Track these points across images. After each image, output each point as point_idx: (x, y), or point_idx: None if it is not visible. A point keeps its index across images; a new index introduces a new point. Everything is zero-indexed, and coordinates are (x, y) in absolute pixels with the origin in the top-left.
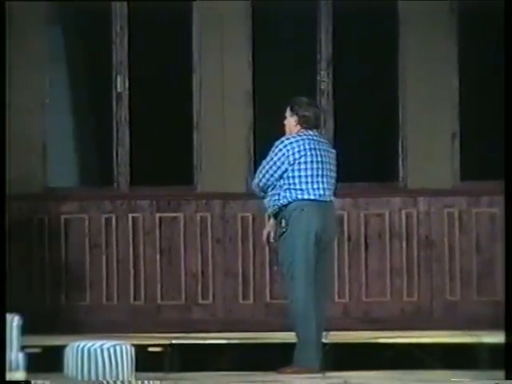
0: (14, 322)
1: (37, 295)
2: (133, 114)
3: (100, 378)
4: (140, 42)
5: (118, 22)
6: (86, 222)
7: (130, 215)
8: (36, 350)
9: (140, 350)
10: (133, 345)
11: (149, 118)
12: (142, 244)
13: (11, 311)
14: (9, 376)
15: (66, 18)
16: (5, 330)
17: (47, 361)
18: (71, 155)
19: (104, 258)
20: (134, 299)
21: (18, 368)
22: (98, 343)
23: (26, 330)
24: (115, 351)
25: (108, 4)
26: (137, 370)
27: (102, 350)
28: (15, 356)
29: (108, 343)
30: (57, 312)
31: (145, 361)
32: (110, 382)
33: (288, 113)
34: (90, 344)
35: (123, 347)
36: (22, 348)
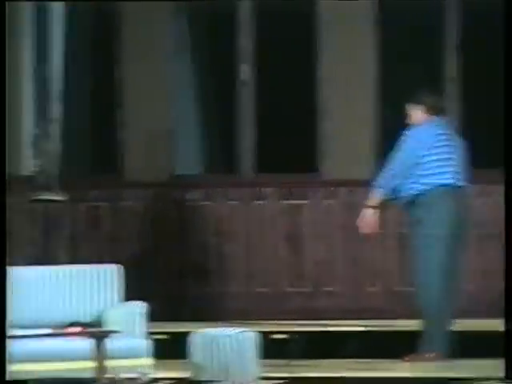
0: (140, 309)
1: (163, 282)
2: (258, 101)
3: (225, 365)
4: (265, 29)
5: (244, 10)
6: (212, 210)
7: (256, 202)
8: (162, 336)
9: (264, 337)
10: (257, 332)
11: (274, 105)
12: (267, 231)
13: (138, 299)
14: (135, 362)
15: (191, 6)
16: (5, 329)
17: (173, 348)
18: (197, 143)
19: (229, 245)
20: (260, 286)
21: (144, 355)
22: (223, 330)
23: (152, 317)
24: (240, 338)
25: None
26: (261, 357)
27: (226, 337)
28: (141, 343)
29: (233, 330)
30: (183, 299)
31: (269, 348)
32: None
33: (412, 105)
34: (215, 331)
35: (248, 334)
36: (148, 335)
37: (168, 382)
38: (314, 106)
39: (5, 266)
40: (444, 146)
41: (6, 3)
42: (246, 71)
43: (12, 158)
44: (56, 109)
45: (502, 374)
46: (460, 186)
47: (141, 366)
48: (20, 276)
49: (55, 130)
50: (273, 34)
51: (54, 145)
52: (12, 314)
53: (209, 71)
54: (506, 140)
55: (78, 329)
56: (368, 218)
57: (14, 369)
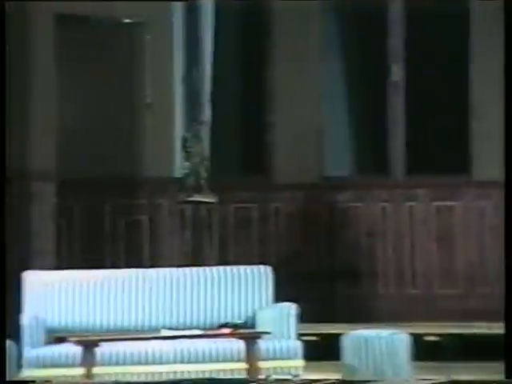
0: (291, 310)
1: (313, 283)
2: (408, 101)
3: (377, 367)
4: (416, 29)
5: (394, 10)
6: (362, 211)
7: (407, 204)
8: (312, 338)
9: (416, 339)
10: (409, 334)
11: (425, 106)
12: (418, 233)
13: (288, 300)
14: (286, 364)
15: (342, 6)
16: (5, 329)
17: (324, 349)
18: (347, 144)
19: (380, 246)
20: (411, 288)
21: (295, 356)
22: (375, 332)
23: (302, 318)
24: (392, 340)
25: None
26: (413, 358)
27: (378, 339)
28: (292, 344)
29: (385, 332)
30: (333, 300)
31: (421, 350)
32: None
33: None
34: (367, 332)
35: (400, 336)
36: (299, 336)
37: (319, 383)
38: (465, 107)
39: (4, 266)
40: None
41: (6, 3)
42: (396, 71)
43: (163, 161)
44: (206, 111)
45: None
46: None
47: (292, 368)
48: (171, 277)
49: (205, 132)
50: (424, 34)
51: (205, 147)
52: (164, 315)
53: (359, 71)
54: (506, 142)
55: (228, 330)
56: None
57: (165, 369)
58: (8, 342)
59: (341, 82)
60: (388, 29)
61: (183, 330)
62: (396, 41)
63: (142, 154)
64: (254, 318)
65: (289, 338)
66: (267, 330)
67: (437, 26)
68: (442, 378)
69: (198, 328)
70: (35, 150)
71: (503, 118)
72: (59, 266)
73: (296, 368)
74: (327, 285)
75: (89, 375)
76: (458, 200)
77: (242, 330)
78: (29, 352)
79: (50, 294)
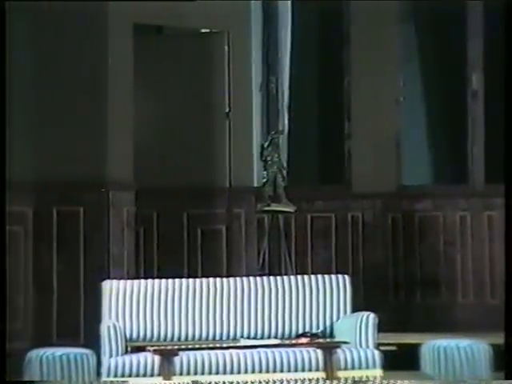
0: (369, 320)
1: (392, 293)
2: (488, 110)
3: (456, 377)
4: (494, 39)
5: (473, 19)
6: (441, 220)
7: (486, 213)
8: (391, 348)
9: (497, 350)
10: (489, 344)
11: (504, 114)
12: (497, 242)
13: (366, 309)
14: (365, 374)
15: (418, 16)
16: (5, 329)
17: (402, 359)
18: (425, 153)
19: (459, 255)
20: (491, 297)
21: (374, 366)
22: (454, 341)
23: (380, 327)
24: (471, 350)
25: (463, 2)
26: (493, 369)
27: (458, 349)
28: (371, 354)
29: (464, 342)
30: (412, 310)
31: (502, 360)
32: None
33: None
34: (446, 342)
35: (479, 346)
36: (378, 346)
37: None
38: None
39: (5, 265)
40: None
41: (6, 3)
42: (476, 80)
43: (241, 170)
44: (284, 120)
45: None
46: None
47: (371, 378)
48: (248, 286)
49: (283, 141)
50: (500, 42)
51: (282, 156)
52: (241, 325)
53: (437, 80)
54: (506, 148)
55: (307, 339)
56: None
57: (243, 379)
58: (87, 351)
59: (420, 90)
60: (467, 35)
61: (261, 339)
62: (476, 50)
63: (220, 163)
64: (332, 327)
65: (367, 347)
66: (345, 340)
67: None
68: None
69: (275, 338)
70: (114, 159)
71: None
72: (137, 274)
73: (374, 378)
74: (405, 294)
75: None
76: None
77: (320, 340)
78: (107, 361)
79: (129, 304)
